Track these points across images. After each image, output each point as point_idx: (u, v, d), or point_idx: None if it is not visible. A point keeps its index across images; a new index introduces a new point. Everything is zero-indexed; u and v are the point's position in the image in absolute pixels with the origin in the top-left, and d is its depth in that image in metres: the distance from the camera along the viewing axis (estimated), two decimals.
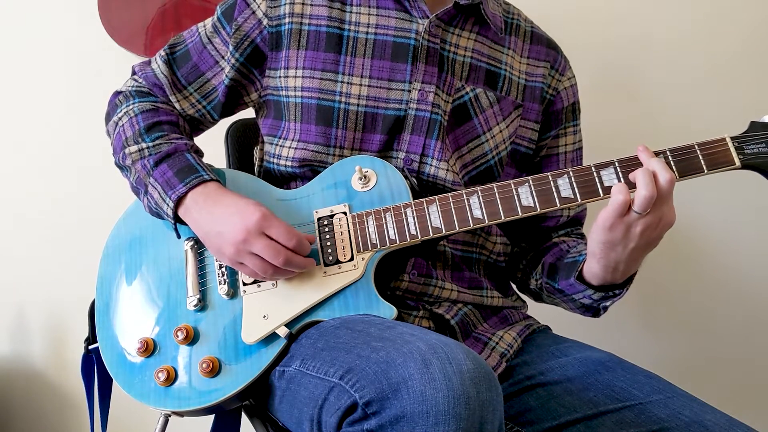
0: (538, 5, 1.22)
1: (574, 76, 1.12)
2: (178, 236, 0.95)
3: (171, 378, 0.89)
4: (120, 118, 1.01)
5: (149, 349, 0.92)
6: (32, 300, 1.68)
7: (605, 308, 0.99)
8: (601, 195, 0.87)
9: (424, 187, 0.98)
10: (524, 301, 1.12)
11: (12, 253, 1.68)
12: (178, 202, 0.90)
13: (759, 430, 0.78)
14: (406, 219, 0.91)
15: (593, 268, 0.90)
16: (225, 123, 1.19)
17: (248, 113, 1.15)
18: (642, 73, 1.73)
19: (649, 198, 0.80)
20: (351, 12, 0.99)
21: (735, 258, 1.75)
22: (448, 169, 0.97)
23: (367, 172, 0.94)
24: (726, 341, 1.77)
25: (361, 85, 0.97)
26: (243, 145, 1.24)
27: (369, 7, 1.00)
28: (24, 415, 1.71)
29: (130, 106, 1.01)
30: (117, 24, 1.62)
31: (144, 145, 0.96)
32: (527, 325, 1.05)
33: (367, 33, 0.98)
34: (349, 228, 0.92)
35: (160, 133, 0.97)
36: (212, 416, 0.97)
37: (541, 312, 1.15)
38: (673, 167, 0.86)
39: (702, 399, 0.85)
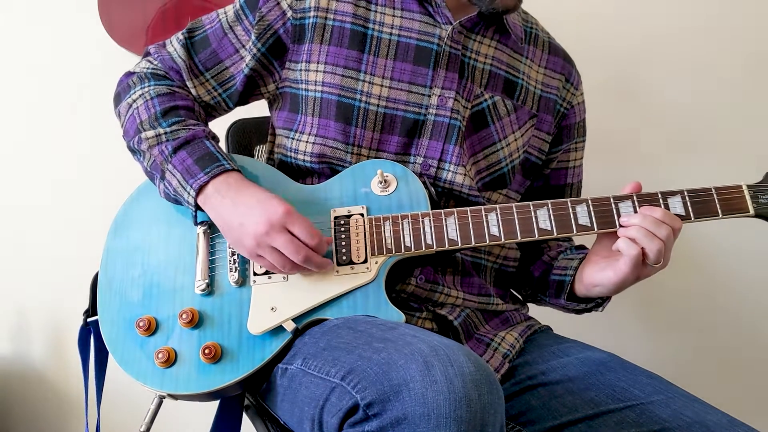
0: (542, 8, 1.22)
1: (583, 92, 1.13)
2: (197, 223, 0.95)
3: (171, 360, 0.89)
4: (135, 100, 0.99)
5: (151, 327, 0.91)
6: (32, 300, 1.68)
7: (603, 307, 1.03)
8: (618, 227, 0.90)
9: (440, 193, 0.98)
10: (525, 303, 1.12)
11: (12, 254, 1.68)
12: (199, 191, 0.90)
13: (760, 430, 0.78)
14: (423, 228, 0.91)
15: (594, 294, 0.96)
16: (225, 123, 1.19)
17: (250, 113, 1.15)
18: (644, 77, 1.73)
19: (659, 250, 0.86)
20: (376, 12, 0.99)
21: (735, 258, 1.75)
22: (465, 174, 0.97)
23: (387, 176, 0.94)
24: (727, 341, 1.77)
25: (382, 85, 0.97)
26: (243, 145, 1.24)
27: (394, 8, 1.00)
28: (24, 415, 1.71)
29: (146, 89, 1.00)
30: (117, 24, 1.61)
31: (161, 130, 0.94)
32: (528, 326, 1.05)
33: (390, 34, 0.98)
34: (365, 230, 0.92)
35: (177, 119, 0.96)
36: (212, 416, 0.97)
37: (541, 312, 1.15)
38: (690, 208, 0.89)
39: (703, 399, 0.85)
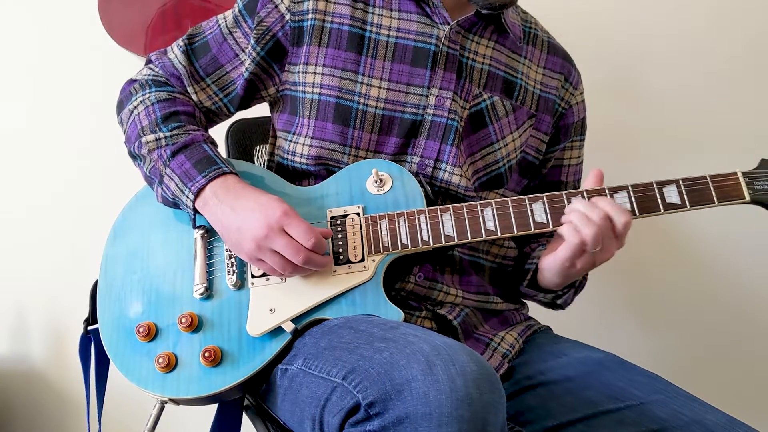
0: (542, 8, 1.22)
1: (583, 91, 1.13)
2: (195, 226, 0.95)
3: (171, 364, 0.89)
4: (136, 107, 1.00)
5: (151, 333, 0.91)
6: (32, 300, 1.68)
7: (567, 302, 1.05)
8: None
9: (436, 193, 0.99)
10: (524, 303, 1.13)
11: (12, 253, 1.68)
12: (197, 194, 0.90)
13: (759, 429, 0.79)
14: (419, 225, 0.91)
15: (550, 284, 0.97)
16: (225, 123, 1.19)
17: (250, 113, 1.15)
18: (643, 75, 1.73)
19: (595, 235, 0.85)
20: (374, 14, 0.99)
21: (734, 257, 1.75)
22: (461, 175, 0.98)
23: (383, 175, 0.95)
24: (726, 341, 1.78)
25: (380, 87, 0.97)
26: (243, 145, 1.24)
27: (391, 10, 1.00)
28: (24, 415, 1.71)
29: (147, 95, 1.00)
30: (117, 24, 1.62)
31: (161, 134, 0.95)
32: (528, 326, 1.05)
33: (388, 36, 0.98)
34: (361, 229, 0.92)
35: (177, 124, 0.96)
36: (212, 416, 0.97)
37: (541, 312, 1.15)
38: (685, 197, 0.89)
39: (702, 399, 0.85)
